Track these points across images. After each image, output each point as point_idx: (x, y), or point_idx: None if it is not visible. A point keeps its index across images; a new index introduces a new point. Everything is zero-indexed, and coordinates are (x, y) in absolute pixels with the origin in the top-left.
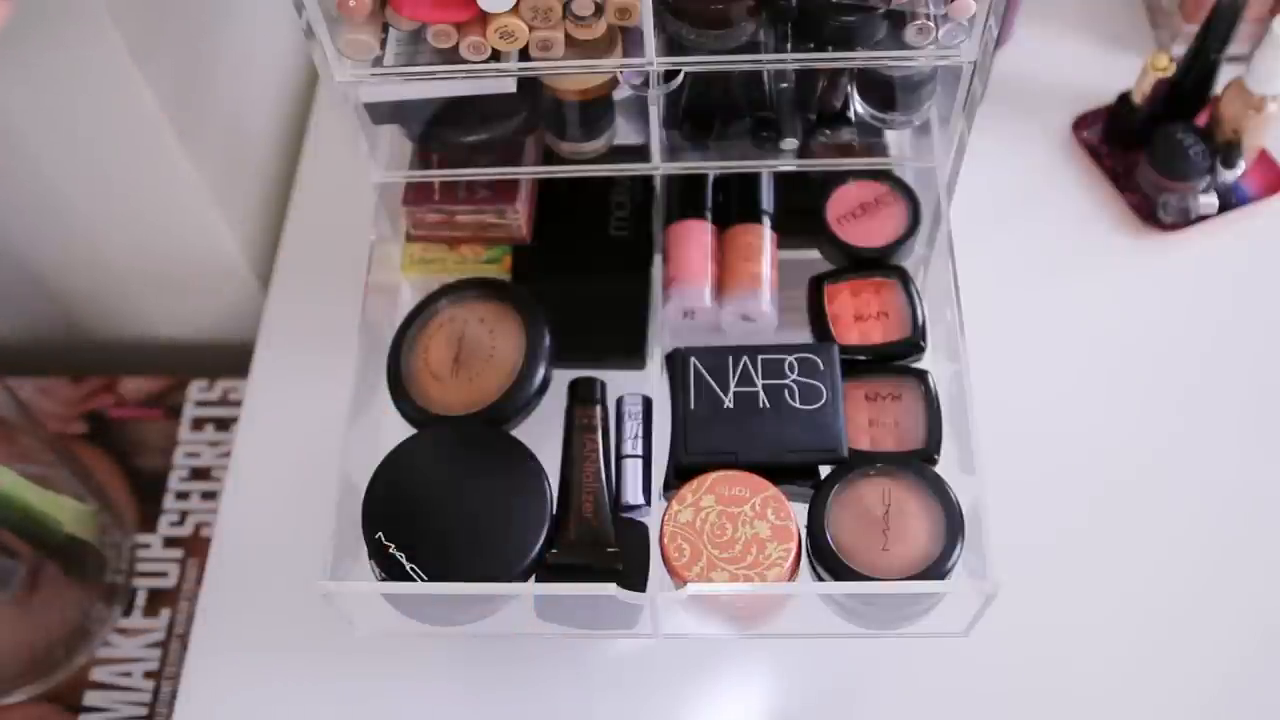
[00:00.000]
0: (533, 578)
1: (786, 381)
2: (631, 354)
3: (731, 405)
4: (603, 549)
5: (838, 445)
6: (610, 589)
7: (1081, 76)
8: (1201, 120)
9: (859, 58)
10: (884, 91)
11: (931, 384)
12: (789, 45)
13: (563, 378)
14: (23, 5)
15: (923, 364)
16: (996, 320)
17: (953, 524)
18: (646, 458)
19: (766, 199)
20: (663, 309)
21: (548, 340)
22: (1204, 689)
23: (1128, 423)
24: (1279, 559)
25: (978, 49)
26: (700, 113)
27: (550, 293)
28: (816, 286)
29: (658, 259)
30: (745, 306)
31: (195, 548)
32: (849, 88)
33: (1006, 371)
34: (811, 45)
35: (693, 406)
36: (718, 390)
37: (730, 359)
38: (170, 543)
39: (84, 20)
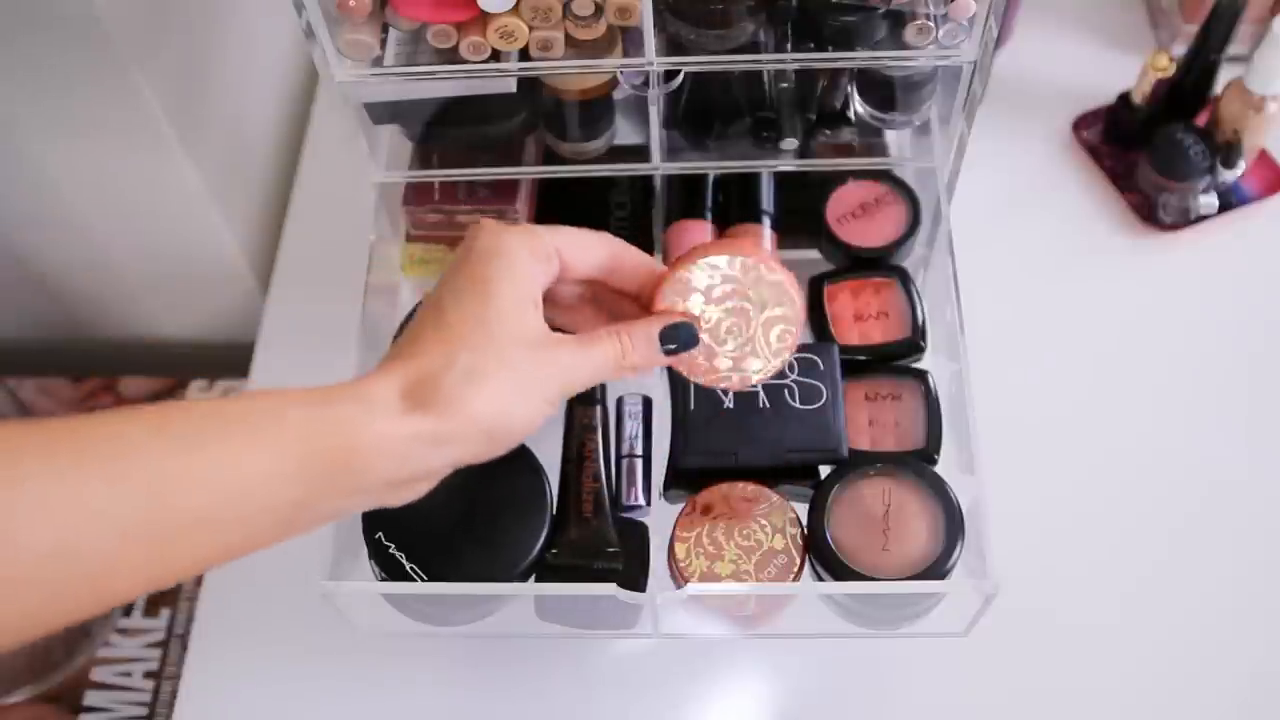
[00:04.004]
0: (533, 578)
1: (786, 381)
2: None
3: (731, 405)
4: (603, 549)
5: (838, 445)
6: (610, 589)
7: (1081, 76)
8: (1201, 120)
9: (859, 58)
10: (884, 91)
11: (931, 384)
12: (789, 45)
13: None
14: (21, 6)
15: (923, 364)
16: (996, 320)
17: (953, 524)
18: (646, 458)
19: (766, 199)
20: None
21: None
22: (1205, 688)
23: (1128, 422)
24: (1279, 557)
25: (978, 49)
26: (700, 113)
27: None
28: (816, 286)
29: (658, 259)
30: None
31: None
32: (849, 88)
33: (1006, 371)
34: (811, 45)
35: (692, 407)
36: (718, 390)
37: None
38: None
39: (84, 21)
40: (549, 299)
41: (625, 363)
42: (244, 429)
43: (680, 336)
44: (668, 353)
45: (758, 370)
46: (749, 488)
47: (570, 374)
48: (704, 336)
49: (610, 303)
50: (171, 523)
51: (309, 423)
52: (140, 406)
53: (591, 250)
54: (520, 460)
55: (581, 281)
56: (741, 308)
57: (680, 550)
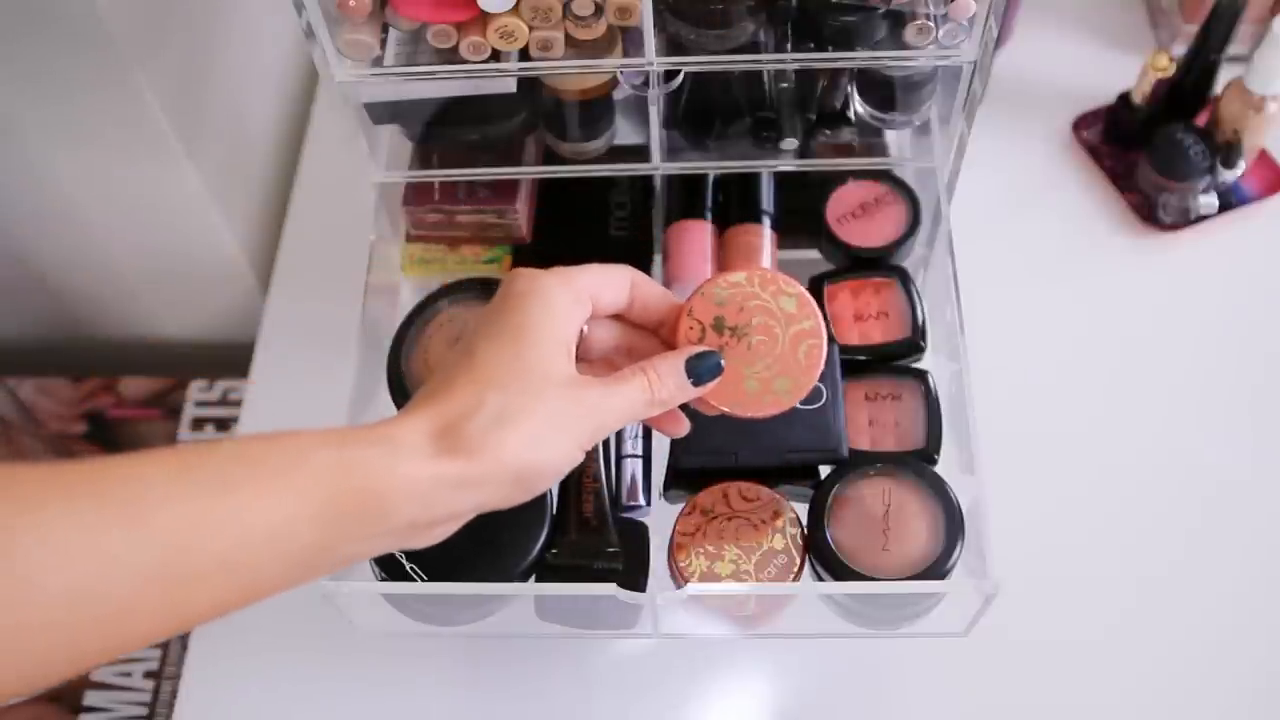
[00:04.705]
0: (533, 578)
1: None
2: None
3: None
4: (603, 549)
5: (838, 445)
6: (610, 589)
7: (1081, 76)
8: (1201, 120)
9: (859, 58)
10: (884, 91)
11: (931, 384)
12: (789, 45)
13: None
14: (24, 7)
15: (923, 364)
16: (996, 320)
17: (953, 524)
18: (646, 458)
19: (766, 199)
20: None
21: None
22: (1207, 688)
23: (1128, 422)
24: (1278, 557)
25: (978, 49)
26: (700, 113)
27: None
28: (816, 286)
29: (658, 259)
30: None
31: None
32: (849, 88)
33: (1006, 371)
34: (811, 45)
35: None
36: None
37: None
38: None
39: (84, 22)
40: (579, 354)
41: (655, 398)
42: (266, 472)
43: (706, 364)
44: (695, 383)
45: (787, 390)
46: (749, 488)
47: (601, 415)
48: (731, 360)
49: (639, 353)
50: (192, 567)
51: (333, 465)
52: (161, 449)
53: (614, 286)
54: None
55: (608, 324)
56: (766, 325)
57: (680, 550)
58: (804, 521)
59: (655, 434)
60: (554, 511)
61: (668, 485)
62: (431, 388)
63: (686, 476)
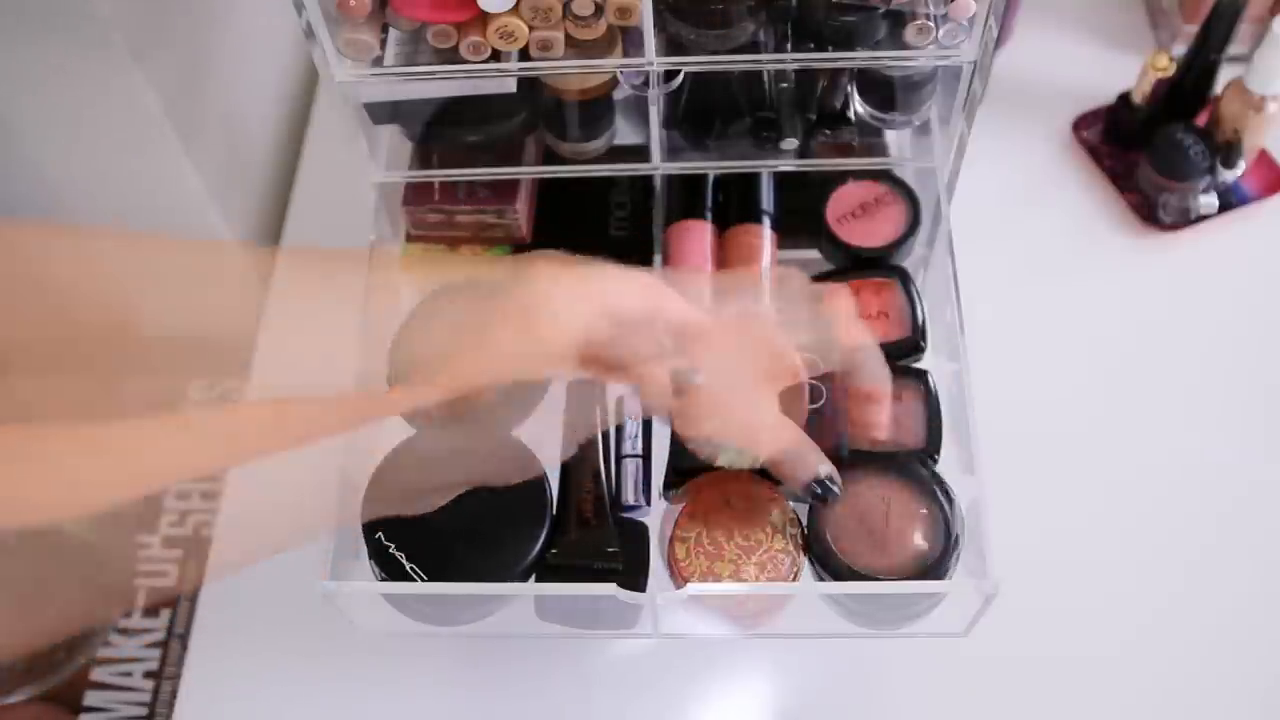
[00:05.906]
0: (533, 578)
1: None
2: None
3: None
4: (603, 549)
5: (838, 445)
6: (610, 589)
7: (1081, 76)
8: (1201, 120)
9: (859, 58)
10: (884, 91)
11: (931, 384)
12: (789, 45)
13: None
14: (24, 7)
15: (923, 364)
16: (996, 320)
17: (953, 524)
18: (646, 458)
19: (766, 199)
20: None
21: None
22: (1203, 687)
23: (1128, 422)
24: (1278, 557)
25: (978, 49)
26: (700, 113)
27: None
28: None
29: (658, 259)
30: None
31: (195, 548)
32: (849, 88)
33: (1006, 371)
34: (811, 45)
35: None
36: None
37: None
38: (170, 543)
39: (85, 21)
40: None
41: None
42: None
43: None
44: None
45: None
46: (749, 487)
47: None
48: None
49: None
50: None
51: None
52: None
53: (632, 302)
54: (520, 460)
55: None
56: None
57: (680, 550)
58: (804, 521)
59: (655, 434)
60: (554, 511)
61: (668, 485)
62: (438, 367)
63: (686, 476)
